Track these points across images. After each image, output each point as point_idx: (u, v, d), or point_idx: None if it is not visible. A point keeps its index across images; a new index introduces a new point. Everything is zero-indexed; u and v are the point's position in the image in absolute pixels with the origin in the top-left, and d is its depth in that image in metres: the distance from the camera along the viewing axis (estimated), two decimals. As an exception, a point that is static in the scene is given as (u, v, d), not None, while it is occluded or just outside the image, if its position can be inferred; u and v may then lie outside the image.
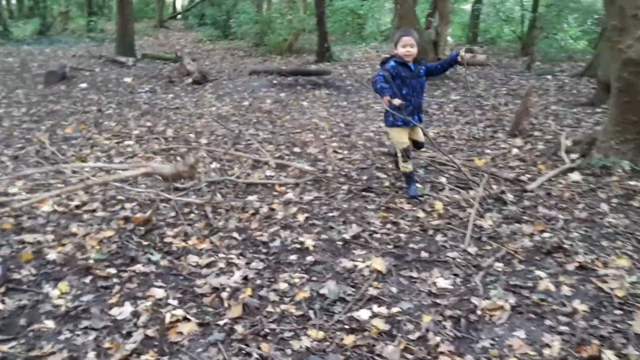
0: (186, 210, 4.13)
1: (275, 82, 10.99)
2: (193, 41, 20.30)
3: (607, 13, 4.52)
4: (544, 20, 14.15)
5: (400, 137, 4.43)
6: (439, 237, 3.63)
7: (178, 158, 3.38)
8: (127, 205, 4.23)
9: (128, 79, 10.85)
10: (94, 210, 4.09)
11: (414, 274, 3.15)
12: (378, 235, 3.67)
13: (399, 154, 4.45)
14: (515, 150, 5.68)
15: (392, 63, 4.27)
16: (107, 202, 4.30)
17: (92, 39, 19.54)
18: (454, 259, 3.32)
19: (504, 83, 10.53)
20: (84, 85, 10.03)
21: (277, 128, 7.06)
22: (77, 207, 4.15)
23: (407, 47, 4.22)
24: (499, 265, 3.24)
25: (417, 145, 4.65)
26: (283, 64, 14.04)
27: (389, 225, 3.84)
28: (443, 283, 3.04)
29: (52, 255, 3.25)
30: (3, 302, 2.77)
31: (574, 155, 5.29)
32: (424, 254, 3.39)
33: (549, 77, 11.16)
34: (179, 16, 31.92)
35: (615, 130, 4.84)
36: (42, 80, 10.27)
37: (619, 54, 4.43)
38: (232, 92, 9.86)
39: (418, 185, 4.55)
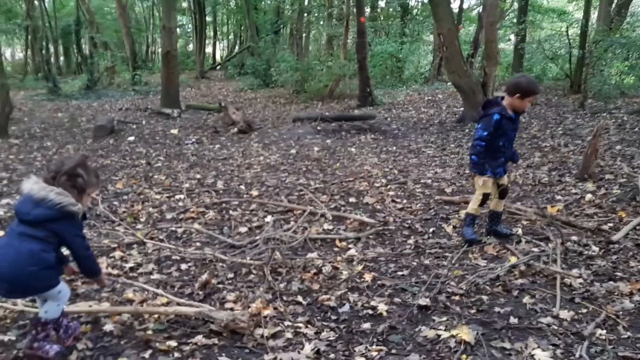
0: (244, 270, 3.88)
1: (319, 128, 10.89)
2: (234, 90, 20.64)
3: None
4: (593, 57, 13.73)
5: (486, 185, 4.18)
6: (526, 299, 3.26)
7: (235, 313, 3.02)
8: (183, 266, 4.02)
9: (174, 131, 10.94)
10: (149, 273, 3.89)
11: (507, 345, 2.79)
12: (457, 298, 3.33)
13: (478, 197, 4.20)
14: (588, 196, 5.28)
15: (496, 117, 4.04)
16: (162, 262, 4.11)
17: (136, 92, 20.09)
18: (548, 325, 2.95)
19: (558, 123, 10.12)
20: (131, 138, 10.13)
21: (328, 176, 6.85)
22: (132, 269, 3.97)
23: (530, 103, 4.18)
24: (602, 333, 2.84)
25: (502, 192, 4.33)
26: (325, 109, 14.00)
27: (467, 286, 3.49)
28: (542, 356, 2.66)
29: (108, 326, 3.02)
30: (59, 382, 2.55)
31: (656, 200, 4.86)
32: (513, 320, 3.02)
33: (605, 115, 10.68)
34: (219, 67, 32.79)
35: None
36: (91, 134, 10.44)
37: None
38: (278, 141, 9.77)
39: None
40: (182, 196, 6.03)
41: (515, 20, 19.78)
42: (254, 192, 6.14)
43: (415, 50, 22.08)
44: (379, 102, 14.32)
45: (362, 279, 3.68)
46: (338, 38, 21.57)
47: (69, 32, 25.81)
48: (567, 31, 16.35)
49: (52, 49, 28.00)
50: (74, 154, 2.60)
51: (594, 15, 19.09)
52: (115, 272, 3.88)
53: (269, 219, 5.10)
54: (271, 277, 3.71)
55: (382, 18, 25.26)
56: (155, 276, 3.84)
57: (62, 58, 33.07)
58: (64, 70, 30.05)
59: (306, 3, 24.46)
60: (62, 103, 17.00)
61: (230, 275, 3.79)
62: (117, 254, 4.23)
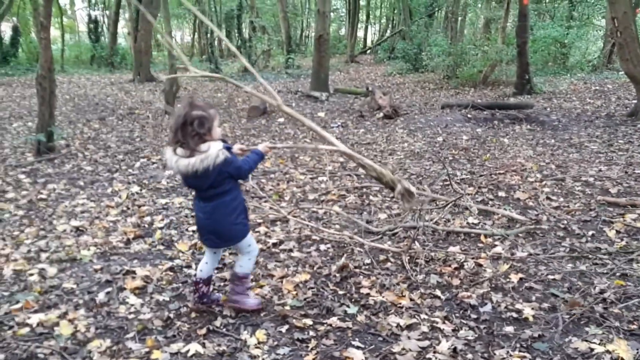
0: (381, 257, 3.83)
1: (469, 116, 10.41)
2: (382, 75, 20.56)
3: None
4: None
5: None
6: None
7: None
8: (322, 247, 4.08)
9: (321, 114, 11.17)
10: (290, 250, 4.00)
11: (676, 372, 2.42)
12: (616, 310, 2.96)
13: None
14: None
15: None
16: (302, 241, 4.21)
17: (289, 75, 20.87)
18: None
19: None
20: (282, 119, 10.54)
21: (476, 167, 6.52)
22: (275, 244, 4.11)
23: None
24: None
25: None
26: (477, 97, 13.36)
27: (627, 298, 3.09)
28: None
29: (254, 299, 3.16)
30: (204, 345, 2.71)
31: None
32: (686, 345, 2.61)
33: None
34: (369, 51, 32.90)
35: None
36: (245, 114, 11.05)
37: None
38: (424, 127, 9.53)
39: None
40: (324, 178, 6.14)
41: None
42: (397, 179, 6.04)
43: (583, 36, 20.12)
44: (538, 90, 13.30)
45: (508, 279, 3.43)
46: (497, 21, 20.43)
47: (232, 17, 27.45)
48: None
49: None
50: (182, 104, 2.75)
51: None
52: (260, 246, 4.05)
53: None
54: (409, 267, 3.62)
55: (547, 0, 23.40)
56: (296, 254, 3.94)
57: (224, 40, 35.55)
58: (225, 53, 32.18)
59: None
60: (221, 84, 18.22)
61: (367, 261, 3.76)
62: (262, 229, 4.42)
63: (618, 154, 6.99)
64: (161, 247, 4.12)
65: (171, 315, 3.01)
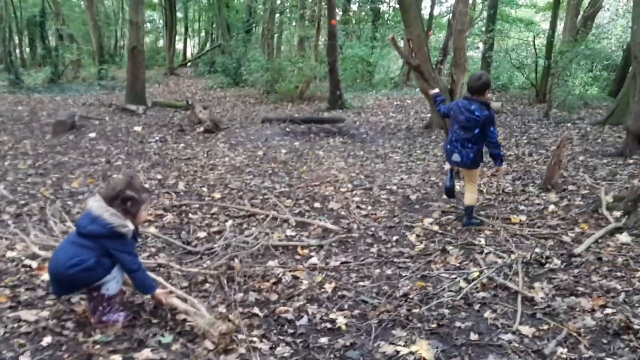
0: (200, 278, 3.73)
1: (288, 130, 10.76)
2: (203, 88, 20.33)
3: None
4: (558, 68, 13.98)
5: None
6: (487, 314, 3.20)
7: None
8: (136, 272, 3.83)
9: (138, 128, 10.64)
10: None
11: (466, 362, 2.72)
12: (418, 311, 3.25)
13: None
14: (551, 207, 5.29)
15: None
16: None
17: (102, 87, 19.58)
18: (509, 342, 2.88)
19: (523, 131, 10.23)
20: (92, 134, 9.81)
21: (294, 180, 6.72)
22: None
23: None
24: (563, 352, 2.79)
25: None
26: (295, 111, 13.88)
27: (428, 299, 3.42)
28: (502, 374, 2.60)
29: (47, 338, 2.84)
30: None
31: (617, 213, 4.89)
32: (473, 336, 2.95)
33: (569, 125, 10.86)
34: (189, 64, 32.33)
35: (666, 187, 4.45)
36: (51, 129, 10.06)
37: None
38: (245, 141, 9.60)
39: None
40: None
41: (483, 29, 20.03)
42: (216, 195, 5.98)
43: (385, 55, 22.15)
44: (349, 105, 14.26)
45: (323, 289, 3.57)
46: (309, 39, 21.50)
47: (35, 24, 24.97)
48: (533, 41, 16.63)
49: (16, 40, 27.10)
50: (122, 176, 2.93)
51: (560, 26, 19.51)
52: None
53: (229, 223, 4.95)
54: (227, 287, 3.57)
55: (353, 22, 25.28)
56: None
57: (27, 50, 32.07)
58: (28, 62, 29.10)
59: (278, 2, 24.25)
60: (23, 96, 16.39)
61: (185, 284, 3.63)
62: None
63: (417, 163, 7.77)
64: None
65: None
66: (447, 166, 5.08)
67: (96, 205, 2.91)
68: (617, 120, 10.33)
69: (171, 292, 3.21)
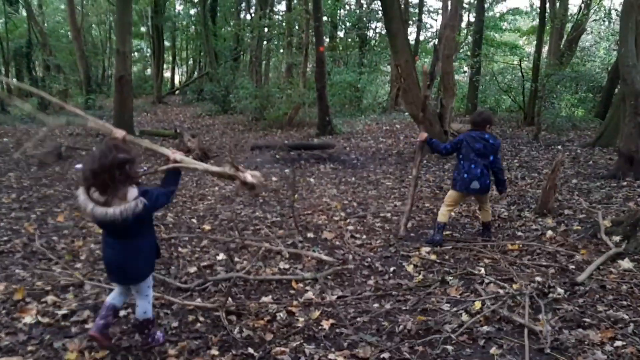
0: (190, 318, 3.55)
1: (278, 157, 10.65)
2: (192, 116, 20.25)
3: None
4: (545, 90, 14.09)
5: None
6: (493, 350, 3.05)
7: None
8: (122, 312, 3.65)
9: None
10: (84, 321, 3.51)
11: (475, 404, 2.57)
12: (420, 348, 3.10)
13: None
14: (549, 233, 5.19)
15: None
16: (99, 308, 3.72)
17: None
18: (518, 380, 2.75)
19: (514, 155, 10.21)
20: (79, 166, 9.62)
21: (286, 209, 6.59)
22: (65, 316, 3.58)
23: None
24: (575, 389, 2.66)
25: None
26: (284, 137, 13.81)
27: (430, 334, 3.27)
28: (513, 417, 2.46)
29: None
30: None
31: (616, 238, 4.80)
32: (480, 375, 2.81)
33: (559, 147, 10.86)
34: (177, 92, 32.31)
35: (666, 211, 4.37)
36: (36, 161, 9.88)
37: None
38: (234, 170, 9.45)
39: None
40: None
41: (469, 53, 20.25)
42: (206, 226, 5.82)
43: (373, 81, 22.28)
44: (338, 131, 14.22)
45: (320, 327, 3.41)
46: (297, 66, 21.57)
47: (22, 54, 24.86)
48: (520, 64, 16.81)
49: (3, 71, 26.94)
50: (101, 145, 2.60)
51: (545, 49, 19.77)
52: (47, 320, 3.48)
53: (221, 256, 4.79)
54: (225, 325, 3.40)
55: (340, 48, 25.47)
56: (91, 325, 3.46)
57: (14, 80, 31.93)
58: (15, 92, 28.92)
59: (266, 30, 24.38)
60: (9, 127, 16.19)
61: (175, 324, 3.45)
62: (50, 298, 3.83)
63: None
64: None
65: None
66: (441, 218, 5.08)
67: (103, 212, 2.55)
68: (606, 142, 10.36)
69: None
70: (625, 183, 7.15)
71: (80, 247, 5.09)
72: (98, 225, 2.84)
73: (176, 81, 38.57)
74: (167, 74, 36.91)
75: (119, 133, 3.07)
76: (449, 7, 11.28)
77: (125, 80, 13.38)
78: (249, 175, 2.95)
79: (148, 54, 35.78)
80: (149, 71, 36.72)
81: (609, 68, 16.61)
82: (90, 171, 2.57)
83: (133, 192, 2.66)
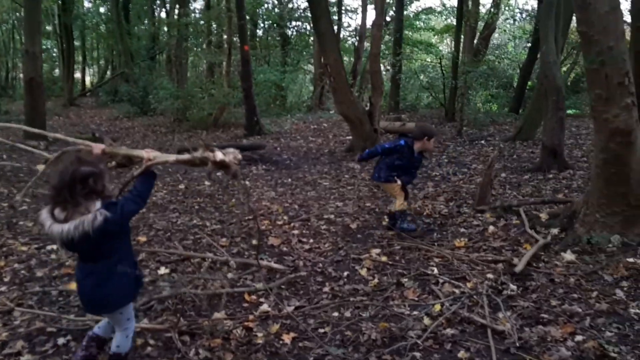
0: (139, 341, 3.27)
1: (207, 160, 10.26)
2: (108, 119, 19.28)
3: (590, 82, 4.31)
4: (465, 87, 14.60)
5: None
6: (461, 353, 3.03)
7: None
8: (61, 340, 3.31)
9: (41, 166, 9.71)
10: (18, 353, 3.14)
11: (453, 413, 2.52)
12: (389, 358, 3.01)
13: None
14: (491, 228, 5.30)
15: (402, 142, 5.36)
16: (33, 337, 3.36)
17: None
18: (492, 384, 2.73)
19: (442, 150, 10.46)
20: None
21: (224, 215, 6.33)
22: (-5, 350, 3.18)
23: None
24: (547, 388, 2.67)
25: None
26: (210, 139, 13.40)
27: (396, 341, 3.19)
28: None
29: None
30: None
31: (554, 230, 4.98)
32: (454, 381, 2.77)
33: (482, 142, 11.27)
34: (89, 93, 30.70)
35: (601, 202, 4.56)
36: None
37: (605, 123, 4.21)
38: (163, 174, 9.03)
39: None
40: (54, 246, 5.18)
41: (387, 52, 20.60)
42: (142, 238, 5.46)
43: (296, 79, 22.20)
44: (267, 130, 14.01)
45: (281, 342, 3.24)
46: (219, 65, 21.08)
47: None
48: (440, 62, 17.34)
49: None
50: (66, 160, 2.34)
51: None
52: (-30, 356, 3.09)
53: (162, 270, 4.49)
54: (176, 348, 3.15)
55: (260, 47, 25.16)
56: (26, 357, 3.11)
57: None
58: None
59: (186, 29, 23.61)
60: None
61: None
62: (-26, 331, 3.40)
63: (347, 188, 7.64)
64: None
65: None
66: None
67: (59, 229, 2.34)
68: (525, 136, 10.86)
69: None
70: (551, 175, 7.49)
71: (3, 268, 4.60)
72: (64, 248, 2.53)
73: (87, 82, 36.66)
74: (77, 75, 34.96)
75: (97, 148, 2.80)
76: (375, 7, 11.38)
77: (36, 82, 12.49)
78: (219, 154, 2.73)
79: (55, 54, 33.75)
80: (57, 72, 34.64)
81: (520, 65, 17.49)
82: (51, 187, 2.41)
83: (96, 206, 2.42)
